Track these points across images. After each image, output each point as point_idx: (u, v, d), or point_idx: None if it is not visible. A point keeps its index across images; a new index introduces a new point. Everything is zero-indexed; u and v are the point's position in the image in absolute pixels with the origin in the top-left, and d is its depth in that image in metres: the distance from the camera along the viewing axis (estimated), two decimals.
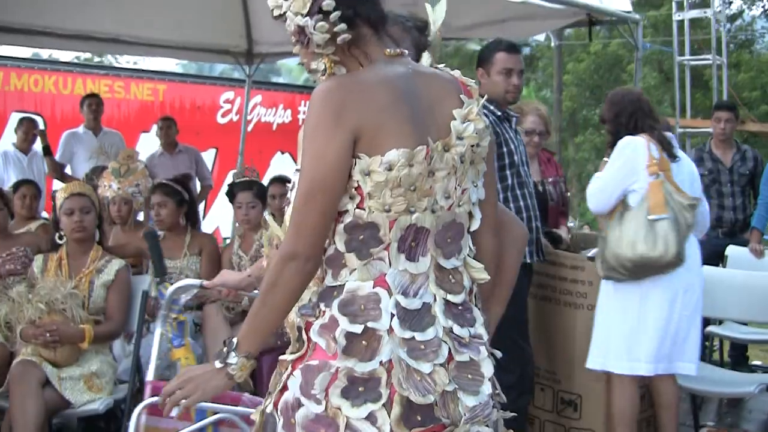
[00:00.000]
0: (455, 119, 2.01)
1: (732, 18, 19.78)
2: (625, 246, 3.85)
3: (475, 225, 2.08)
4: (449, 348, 1.95)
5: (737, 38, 20.67)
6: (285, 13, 1.96)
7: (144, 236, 3.97)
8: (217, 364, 1.98)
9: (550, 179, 5.20)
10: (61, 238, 4.27)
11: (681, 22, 8.52)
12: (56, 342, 3.91)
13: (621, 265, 3.88)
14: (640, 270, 3.88)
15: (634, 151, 3.97)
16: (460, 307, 2.01)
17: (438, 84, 2.05)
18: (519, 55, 4.15)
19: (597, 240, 4.95)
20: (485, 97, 2.17)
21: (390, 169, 1.87)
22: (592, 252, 4.65)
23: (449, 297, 1.99)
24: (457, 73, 2.15)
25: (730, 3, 18.68)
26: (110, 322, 4.14)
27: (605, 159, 4.17)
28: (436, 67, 2.14)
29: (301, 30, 1.94)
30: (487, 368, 2.01)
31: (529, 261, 4.16)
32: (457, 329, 1.98)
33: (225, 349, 1.98)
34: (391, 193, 1.89)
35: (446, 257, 2.01)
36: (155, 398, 3.19)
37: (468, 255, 2.07)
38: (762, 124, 8.85)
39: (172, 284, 3.34)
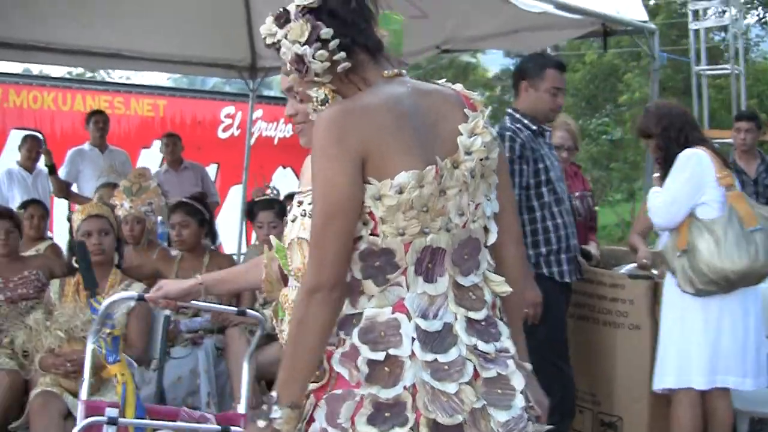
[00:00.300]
0: (462, 134, 1.96)
1: (726, 27, 19.82)
2: (728, 259, 3.77)
3: (492, 239, 2.03)
4: (474, 365, 1.90)
5: (722, 49, 20.67)
6: (279, 41, 1.95)
7: (70, 245, 3.87)
8: (260, 423, 1.90)
9: (577, 194, 5.07)
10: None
11: (696, 32, 8.45)
12: (77, 372, 3.73)
13: (724, 278, 3.80)
14: (741, 282, 3.82)
15: (699, 163, 3.92)
16: (483, 323, 1.96)
17: (440, 100, 2.01)
18: (565, 75, 4.10)
19: (627, 255, 4.87)
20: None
21: (401, 192, 1.85)
22: (626, 268, 4.55)
23: (470, 314, 1.94)
24: (458, 86, 2.10)
25: (724, 12, 18.66)
26: (132, 350, 3.96)
27: (656, 174, 4.08)
28: (436, 83, 2.10)
29: (299, 59, 1.92)
30: (518, 381, 1.95)
31: (567, 280, 4.05)
32: (481, 345, 1.92)
33: (265, 407, 1.90)
34: (404, 216, 1.87)
35: (464, 274, 1.96)
36: (91, 419, 3.13)
37: (487, 269, 2.02)
38: None
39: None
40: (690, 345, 3.91)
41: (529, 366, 2.06)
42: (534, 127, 4.01)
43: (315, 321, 1.86)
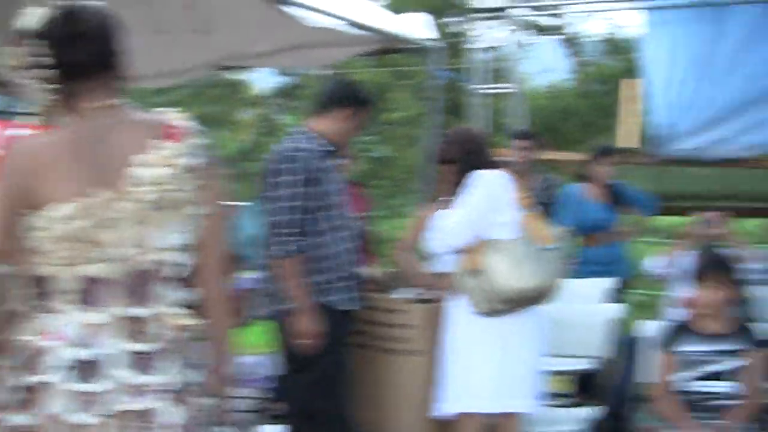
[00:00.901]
0: (138, 167, 2.00)
1: (493, 47, 20.53)
2: (521, 278, 3.75)
3: (174, 271, 2.05)
4: (120, 399, 1.95)
5: (499, 69, 21.46)
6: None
7: None
8: None
9: (359, 215, 4.96)
10: None
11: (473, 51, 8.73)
12: None
13: (517, 298, 3.78)
14: (533, 300, 3.83)
15: (497, 183, 3.92)
16: (145, 356, 1.99)
17: (132, 134, 2.04)
18: None
19: (403, 277, 4.77)
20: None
21: (56, 223, 1.92)
22: (405, 292, 4.45)
23: (133, 346, 1.98)
24: (170, 115, 2.11)
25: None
26: None
27: (446, 198, 4.04)
28: (154, 112, 2.13)
29: (11, 84, 2.01)
30: (167, 416, 1.98)
31: (347, 308, 3.91)
32: (134, 379, 1.97)
33: None
34: (60, 247, 1.93)
35: (134, 306, 2.01)
36: None
37: (170, 301, 2.05)
38: (560, 153, 9.05)
39: None
40: (478, 367, 3.85)
41: (207, 401, 2.07)
42: (330, 148, 3.91)
43: None
